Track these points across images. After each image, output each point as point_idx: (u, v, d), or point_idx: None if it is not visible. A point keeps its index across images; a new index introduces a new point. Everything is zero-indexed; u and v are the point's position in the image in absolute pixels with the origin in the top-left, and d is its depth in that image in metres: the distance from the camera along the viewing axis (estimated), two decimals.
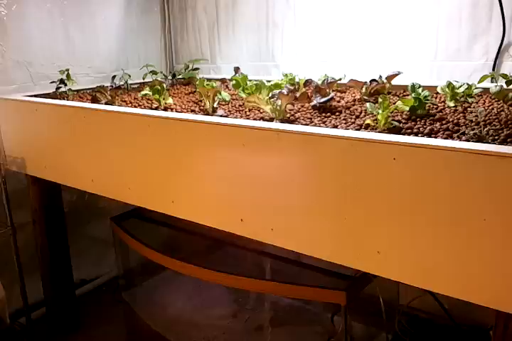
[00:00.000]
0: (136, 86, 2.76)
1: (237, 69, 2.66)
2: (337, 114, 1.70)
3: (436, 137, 1.31)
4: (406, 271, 1.16)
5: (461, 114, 1.57)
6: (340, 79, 2.11)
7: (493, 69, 2.23)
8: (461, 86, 1.78)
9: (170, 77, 2.73)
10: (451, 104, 1.74)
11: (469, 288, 1.07)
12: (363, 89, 1.96)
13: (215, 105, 1.77)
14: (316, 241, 1.28)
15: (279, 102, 1.56)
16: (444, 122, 1.47)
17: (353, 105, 1.86)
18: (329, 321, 1.54)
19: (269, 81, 2.50)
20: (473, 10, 2.22)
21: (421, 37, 2.38)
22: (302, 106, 1.81)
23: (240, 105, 1.94)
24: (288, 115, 1.62)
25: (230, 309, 1.90)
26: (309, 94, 1.83)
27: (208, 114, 1.75)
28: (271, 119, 1.58)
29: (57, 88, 2.29)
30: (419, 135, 1.34)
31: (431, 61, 2.38)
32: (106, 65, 2.95)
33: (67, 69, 2.34)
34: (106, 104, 2.02)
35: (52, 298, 2.46)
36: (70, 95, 2.31)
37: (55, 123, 2.01)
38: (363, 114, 1.67)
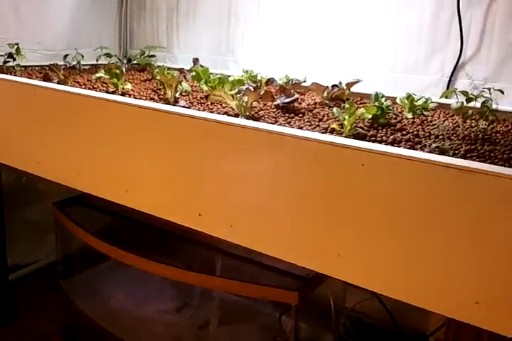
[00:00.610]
0: (88, 67, 2.64)
1: (196, 61, 2.61)
2: (300, 115, 1.70)
3: (399, 147, 1.35)
4: (365, 275, 1.18)
5: (419, 126, 1.62)
6: (304, 82, 2.13)
7: (448, 86, 2.32)
8: (419, 99, 1.85)
9: (125, 62, 2.63)
10: (410, 115, 1.79)
11: (421, 294, 1.10)
12: (325, 94, 1.98)
13: (177, 95, 1.72)
14: (276, 241, 1.27)
15: (245, 98, 1.54)
16: (404, 132, 1.51)
17: (315, 108, 1.87)
18: (276, 320, 1.55)
19: (228, 76, 2.48)
20: (434, 26, 2.30)
21: (381, 47, 2.44)
22: (265, 105, 1.80)
23: (201, 97, 1.90)
24: (252, 112, 1.61)
25: (174, 303, 1.86)
26: (273, 93, 1.83)
27: (169, 104, 1.70)
28: (235, 115, 1.55)
29: (5, 62, 2.15)
30: (383, 143, 1.37)
31: (388, 72, 2.45)
32: (56, 42, 2.80)
33: (17, 44, 2.20)
34: (58, 83, 1.91)
35: None
36: (17, 71, 2.17)
37: (1, 99, 1.88)
38: (325, 117, 1.69)
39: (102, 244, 1.70)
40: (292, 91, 1.80)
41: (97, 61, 2.60)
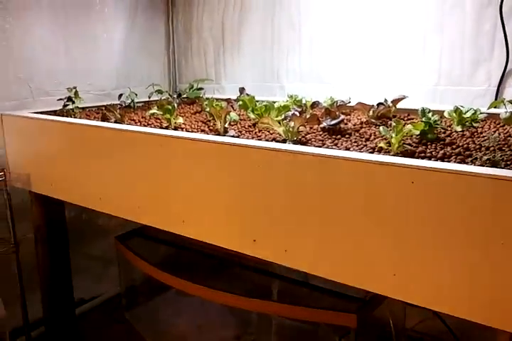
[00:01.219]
0: (140, 104, 2.79)
1: (242, 90, 2.69)
2: (347, 136, 1.72)
3: (449, 161, 1.33)
4: (419, 293, 1.17)
5: (469, 139, 1.60)
6: (349, 102, 2.14)
7: (496, 95, 2.28)
8: (467, 111, 1.82)
9: (175, 96, 2.76)
10: (459, 128, 1.77)
11: (479, 309, 1.07)
12: (370, 112, 1.99)
13: (226, 125, 1.78)
14: (331, 263, 1.28)
15: (291, 124, 1.58)
16: (454, 146, 1.50)
17: (361, 128, 1.88)
18: None
19: (274, 102, 2.53)
20: (476, 36, 2.28)
21: (424, 61, 2.43)
22: (311, 128, 1.84)
23: (249, 126, 1.96)
24: (299, 137, 1.64)
25: (234, 330, 1.88)
26: (319, 116, 1.86)
27: (219, 134, 1.76)
28: (283, 141, 1.59)
29: (65, 105, 2.30)
30: (433, 159, 1.36)
31: (434, 86, 2.43)
32: (106, 82, 2.99)
33: (75, 87, 2.36)
34: (115, 122, 2.03)
35: (51, 317, 2.42)
36: (77, 113, 2.32)
37: (64, 140, 2.02)
38: (372, 136, 1.70)
39: (162, 274, 1.76)
40: (337, 113, 1.82)
41: (149, 98, 2.73)
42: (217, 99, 2.93)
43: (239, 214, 1.47)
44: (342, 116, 1.77)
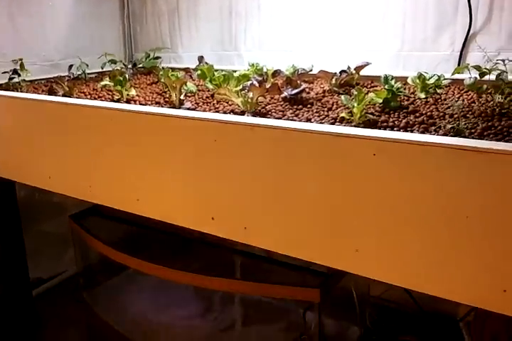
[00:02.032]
0: (93, 75, 2.63)
1: (201, 59, 2.57)
2: (309, 106, 1.65)
3: (412, 131, 1.29)
4: (384, 269, 1.13)
5: (433, 106, 1.55)
6: (310, 71, 2.07)
7: (459, 60, 2.23)
8: (431, 77, 1.77)
9: (130, 67, 2.61)
10: (422, 95, 1.72)
11: (449, 287, 1.04)
12: (333, 80, 1.92)
13: (182, 97, 1.68)
14: (293, 240, 1.23)
15: (250, 94, 1.50)
16: (418, 115, 1.45)
17: (324, 97, 1.82)
18: (301, 317, 1.51)
19: (234, 71, 2.43)
20: (439, 0, 2.21)
21: (387, 27, 2.36)
22: (272, 98, 1.75)
23: (207, 97, 1.86)
24: (259, 108, 1.56)
25: (196, 308, 1.84)
26: (279, 85, 1.77)
27: (174, 107, 1.66)
28: (242, 112, 1.51)
29: (10, 78, 2.14)
30: (395, 129, 1.31)
31: (397, 51, 2.37)
32: (54, 52, 2.79)
33: (21, 59, 2.19)
34: (63, 95, 1.89)
35: (6, 297, 2.33)
36: (23, 86, 2.16)
37: (9, 116, 1.88)
38: (335, 106, 1.63)
39: (117, 254, 1.69)
40: (299, 81, 1.74)
41: (102, 68, 2.58)
42: (174, 69, 2.80)
43: (195, 191, 1.40)
44: (303, 85, 1.70)
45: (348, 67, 2.12)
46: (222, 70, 2.54)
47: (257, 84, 1.53)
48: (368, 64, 2.10)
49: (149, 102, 1.79)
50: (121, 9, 3.11)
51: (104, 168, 1.62)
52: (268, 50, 2.72)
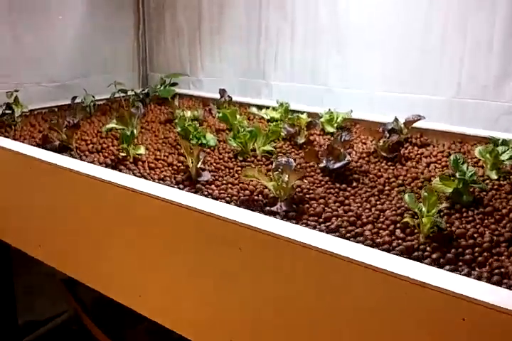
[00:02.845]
0: (101, 101, 2.34)
1: (223, 92, 2.26)
2: (354, 184, 1.34)
3: (501, 254, 0.98)
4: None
5: None
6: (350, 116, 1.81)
7: None
8: (504, 151, 1.45)
9: (142, 98, 2.30)
10: (494, 175, 1.40)
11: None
12: (380, 142, 1.60)
13: (200, 164, 1.37)
14: None
15: (285, 177, 1.19)
16: (498, 217, 1.14)
17: (369, 164, 1.51)
18: None
19: (259, 107, 2.15)
20: (507, 40, 1.87)
21: (442, 69, 2.03)
22: (310, 168, 1.45)
23: (229, 158, 1.55)
24: (293, 193, 1.24)
25: None
26: (318, 152, 1.46)
27: (190, 178, 1.36)
28: (274, 200, 1.20)
29: (2, 115, 1.86)
30: (477, 249, 1.00)
31: (451, 97, 2.04)
32: (61, 72, 2.49)
33: (17, 91, 1.91)
34: (60, 147, 1.60)
35: None
36: (18, 122, 1.88)
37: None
38: (387, 185, 1.33)
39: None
40: (342, 150, 1.43)
41: (111, 98, 2.30)
42: (192, 97, 2.51)
43: (212, 303, 1.10)
44: (347, 158, 1.38)
45: (396, 120, 1.81)
46: (243, 103, 2.27)
47: (293, 165, 1.21)
48: (419, 118, 1.79)
49: (160, 165, 1.48)
50: (137, 24, 2.81)
51: (93, 247, 1.34)
52: (298, 82, 2.40)
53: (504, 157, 1.44)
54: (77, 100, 2.17)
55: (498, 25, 1.88)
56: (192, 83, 2.72)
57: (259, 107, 2.27)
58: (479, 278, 0.91)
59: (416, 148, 1.73)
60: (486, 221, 1.14)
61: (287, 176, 1.19)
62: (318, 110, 2.09)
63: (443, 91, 2.04)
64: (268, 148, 1.57)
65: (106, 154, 1.57)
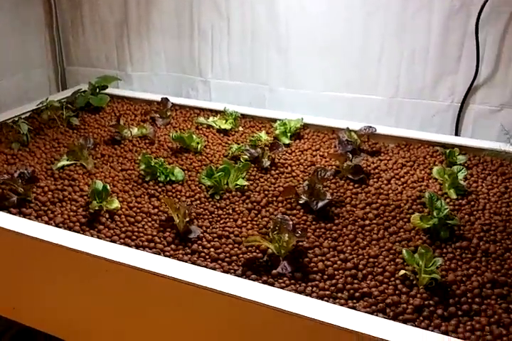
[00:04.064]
0: (27, 115, 2.13)
1: (165, 102, 2.15)
2: (336, 221, 1.41)
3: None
4: None
5: (482, 222, 1.39)
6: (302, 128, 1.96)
7: (459, 112, 2.06)
8: (460, 170, 1.59)
9: (71, 114, 2.10)
10: (453, 195, 1.54)
11: None
12: (344, 165, 1.67)
13: (186, 219, 1.35)
14: None
15: (285, 237, 1.22)
16: (479, 256, 1.28)
17: (338, 188, 1.58)
18: None
19: (203, 110, 2.11)
20: (443, 45, 1.98)
21: (381, 70, 2.10)
22: (288, 203, 1.49)
23: (206, 198, 1.53)
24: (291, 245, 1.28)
25: None
26: (294, 187, 1.50)
27: (178, 234, 1.34)
28: (275, 258, 1.24)
29: None
30: (469, 300, 1.13)
31: (390, 97, 2.13)
32: None
33: None
34: (18, 203, 1.47)
35: None
36: None
37: None
38: (366, 219, 1.41)
39: None
40: (321, 187, 1.47)
41: (40, 112, 2.10)
42: (124, 100, 2.35)
43: None
44: (327, 196, 1.44)
45: (348, 129, 1.87)
46: (189, 108, 2.20)
47: (291, 224, 1.24)
48: (372, 131, 1.86)
49: (139, 217, 1.42)
50: (48, 17, 2.52)
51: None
52: (237, 80, 2.35)
53: (460, 176, 1.58)
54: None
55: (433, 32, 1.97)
56: (120, 77, 2.53)
57: (203, 110, 2.22)
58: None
59: (369, 158, 1.81)
60: (464, 256, 1.28)
61: (287, 236, 1.22)
62: (264, 113, 2.11)
63: (383, 91, 2.13)
64: (242, 182, 1.57)
65: (72, 207, 1.47)
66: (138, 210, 1.47)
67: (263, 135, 1.86)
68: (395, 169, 1.74)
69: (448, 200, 1.53)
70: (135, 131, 1.97)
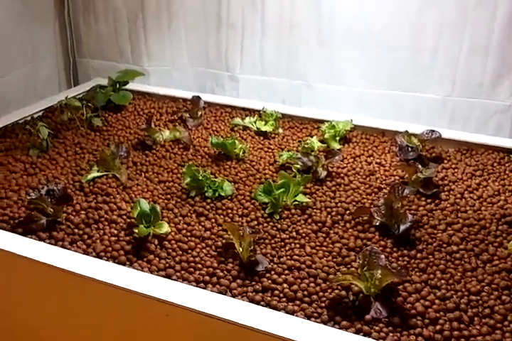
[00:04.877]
0: (40, 113, 1.91)
1: (197, 101, 1.92)
2: (419, 247, 1.23)
3: None
4: None
5: None
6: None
7: None
8: None
9: (91, 115, 1.86)
10: None
11: None
12: (413, 176, 1.47)
13: (251, 247, 1.15)
14: None
15: (377, 274, 1.03)
16: None
17: (410, 205, 1.39)
18: None
19: (234, 108, 1.97)
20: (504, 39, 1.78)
21: (435, 67, 1.90)
22: (359, 224, 1.30)
23: (263, 217, 1.33)
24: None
25: None
26: (369, 209, 1.31)
27: (242, 266, 1.15)
28: (363, 299, 1.05)
29: None
30: None
31: (444, 96, 1.94)
32: None
33: None
34: (48, 226, 1.26)
35: None
36: None
37: None
38: (452, 244, 1.23)
39: None
40: (400, 208, 1.27)
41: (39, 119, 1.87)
42: (145, 96, 2.11)
43: None
44: (409, 218, 1.25)
45: (407, 133, 1.67)
46: (219, 106, 1.98)
47: (382, 260, 1.05)
48: (436, 136, 1.66)
49: (192, 243, 1.22)
50: (58, 5, 2.27)
51: None
52: (271, 76, 2.14)
53: None
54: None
55: (497, 26, 1.77)
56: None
57: (234, 108, 2.01)
58: None
59: (433, 165, 1.62)
60: None
61: (379, 273, 1.03)
62: (304, 113, 1.91)
63: (435, 90, 1.93)
64: (302, 199, 1.37)
65: (112, 230, 1.27)
66: (188, 234, 1.26)
67: (314, 140, 1.65)
68: (465, 180, 1.55)
69: None
70: (167, 134, 1.76)
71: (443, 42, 1.85)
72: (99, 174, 1.48)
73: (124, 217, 1.32)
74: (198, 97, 1.93)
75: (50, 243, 1.22)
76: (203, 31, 2.17)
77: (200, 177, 1.37)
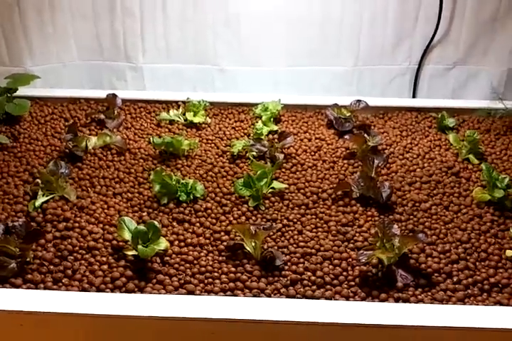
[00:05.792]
0: None
1: (113, 99, 1.74)
2: (399, 209, 1.31)
3: None
4: None
5: None
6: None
7: (417, 74, 2.06)
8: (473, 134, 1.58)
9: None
10: (475, 160, 1.55)
11: None
12: (364, 145, 1.55)
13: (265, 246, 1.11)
14: None
15: (395, 242, 1.08)
16: None
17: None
18: None
19: (148, 102, 1.84)
20: (400, 9, 1.93)
21: (341, 39, 1.98)
22: (340, 199, 1.34)
23: (250, 211, 1.30)
24: None
25: None
26: (348, 183, 1.35)
27: (261, 265, 1.11)
28: (387, 269, 1.10)
29: None
30: None
31: (352, 67, 2.04)
32: None
33: None
34: (19, 270, 1.07)
35: None
36: None
37: None
38: (442, 214, 1.34)
39: None
40: (377, 177, 1.34)
41: None
42: (37, 101, 1.85)
43: None
44: (386, 185, 1.32)
45: (337, 106, 1.74)
46: (133, 102, 1.83)
47: (397, 229, 1.10)
48: (364, 105, 1.74)
49: (195, 253, 1.14)
50: None
51: None
52: (179, 62, 2.03)
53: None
54: None
55: None
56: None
57: (147, 102, 1.88)
58: None
59: (374, 132, 1.69)
60: None
61: (397, 241, 1.08)
62: (224, 98, 1.87)
63: (342, 61, 2.03)
64: (279, 185, 1.36)
65: (98, 258, 1.12)
66: (183, 243, 1.18)
67: (260, 124, 1.64)
68: (398, 141, 1.68)
69: (471, 167, 1.53)
70: (94, 140, 1.59)
71: (347, 13, 1.93)
72: (45, 198, 1.29)
73: (101, 240, 1.18)
74: (114, 95, 1.76)
75: (28, 288, 1.05)
76: (92, 19, 1.95)
77: (173, 182, 1.27)
